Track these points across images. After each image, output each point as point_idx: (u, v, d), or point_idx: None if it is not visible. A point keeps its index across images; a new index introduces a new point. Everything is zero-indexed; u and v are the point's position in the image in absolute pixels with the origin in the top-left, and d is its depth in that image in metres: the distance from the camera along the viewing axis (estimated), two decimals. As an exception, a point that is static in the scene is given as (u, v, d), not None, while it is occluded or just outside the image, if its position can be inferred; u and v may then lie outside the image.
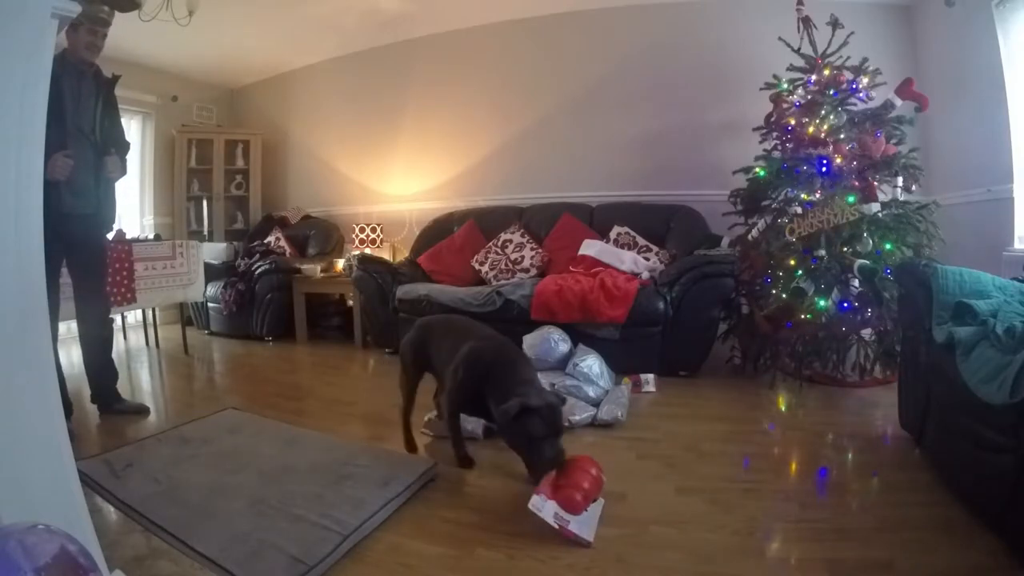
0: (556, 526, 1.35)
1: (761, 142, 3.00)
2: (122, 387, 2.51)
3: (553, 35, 3.99)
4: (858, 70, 2.70)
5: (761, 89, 2.96)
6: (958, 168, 3.09)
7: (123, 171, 2.40)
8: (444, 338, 1.88)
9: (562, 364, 2.55)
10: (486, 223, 3.83)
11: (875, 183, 2.60)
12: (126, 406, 2.42)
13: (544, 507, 1.37)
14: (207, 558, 1.26)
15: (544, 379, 2.38)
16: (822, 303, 2.52)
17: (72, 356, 3.57)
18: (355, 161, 4.75)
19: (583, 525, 1.36)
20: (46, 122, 2.18)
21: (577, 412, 2.13)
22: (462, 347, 1.76)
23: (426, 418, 2.11)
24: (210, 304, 4.16)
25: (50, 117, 2.22)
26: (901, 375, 1.98)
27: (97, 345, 2.41)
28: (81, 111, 2.20)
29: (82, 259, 2.30)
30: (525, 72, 4.10)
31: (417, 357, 1.94)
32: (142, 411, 2.39)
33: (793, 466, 1.82)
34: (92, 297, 2.35)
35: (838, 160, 2.59)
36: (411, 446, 1.93)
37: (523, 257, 3.56)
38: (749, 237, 2.87)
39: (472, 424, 1.98)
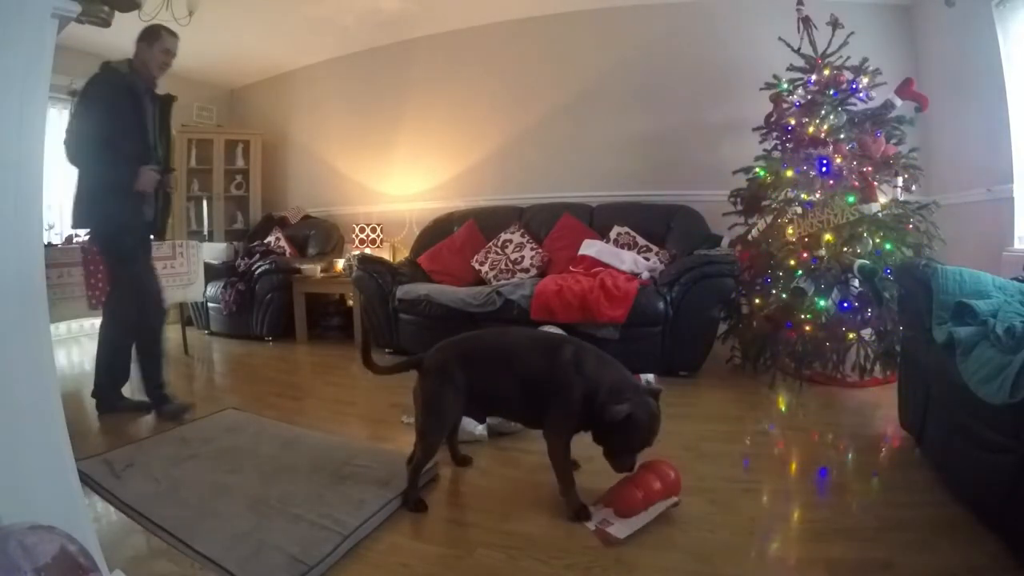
0: (593, 528, 1.38)
1: (761, 142, 3.00)
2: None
3: (553, 35, 4.00)
4: (858, 70, 2.70)
5: (761, 89, 2.96)
6: (958, 168, 3.09)
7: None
8: (494, 364, 1.56)
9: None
10: (486, 223, 3.83)
11: (875, 183, 2.61)
12: (130, 404, 2.43)
13: (593, 516, 1.43)
14: (207, 558, 1.26)
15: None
16: (822, 303, 2.52)
17: (72, 356, 3.58)
18: (355, 161, 4.75)
19: (623, 527, 1.37)
20: (130, 135, 2.25)
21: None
22: (544, 364, 1.49)
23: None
24: (210, 304, 4.16)
25: (134, 131, 2.26)
26: (901, 375, 1.98)
27: (150, 337, 2.47)
28: (149, 127, 2.32)
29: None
30: (525, 72, 4.10)
31: (458, 398, 1.54)
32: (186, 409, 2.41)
33: (793, 466, 1.82)
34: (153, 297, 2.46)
35: (838, 160, 2.59)
36: (423, 505, 1.54)
37: (523, 257, 3.56)
38: (749, 237, 2.88)
39: (472, 425, 1.99)
